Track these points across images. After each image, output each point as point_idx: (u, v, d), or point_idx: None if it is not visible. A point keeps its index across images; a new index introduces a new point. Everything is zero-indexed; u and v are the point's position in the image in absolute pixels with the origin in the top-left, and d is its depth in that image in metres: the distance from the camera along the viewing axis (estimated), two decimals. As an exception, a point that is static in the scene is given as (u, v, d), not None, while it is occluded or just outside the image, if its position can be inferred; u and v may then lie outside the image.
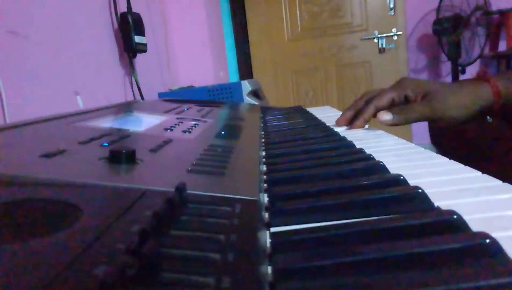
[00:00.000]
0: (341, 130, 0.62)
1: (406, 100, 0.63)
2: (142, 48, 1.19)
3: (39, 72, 0.77)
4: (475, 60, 2.59)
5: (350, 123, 0.66)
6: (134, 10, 1.17)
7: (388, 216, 0.25)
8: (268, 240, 0.23)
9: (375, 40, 2.76)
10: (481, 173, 0.34)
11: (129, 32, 1.14)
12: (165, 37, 1.67)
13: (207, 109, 0.84)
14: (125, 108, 0.70)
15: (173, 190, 0.22)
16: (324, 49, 2.84)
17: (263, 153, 0.49)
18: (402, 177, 0.31)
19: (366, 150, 0.43)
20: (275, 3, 2.84)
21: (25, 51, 0.74)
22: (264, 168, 0.41)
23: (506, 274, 0.17)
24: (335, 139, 0.52)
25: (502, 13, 2.52)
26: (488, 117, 0.62)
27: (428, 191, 0.27)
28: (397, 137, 0.54)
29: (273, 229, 0.25)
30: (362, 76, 2.83)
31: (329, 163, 0.39)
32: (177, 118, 0.63)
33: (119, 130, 0.47)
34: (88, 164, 0.30)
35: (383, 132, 0.61)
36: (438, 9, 2.58)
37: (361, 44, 2.79)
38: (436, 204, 0.27)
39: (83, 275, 0.14)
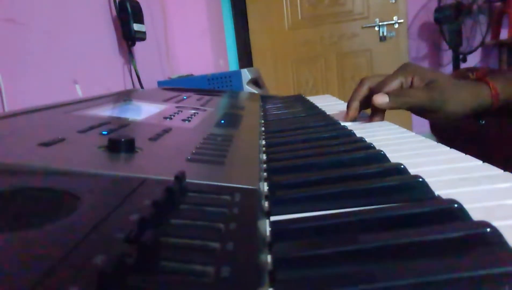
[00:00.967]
0: (342, 119, 0.62)
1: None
2: (141, 36, 1.18)
3: (37, 60, 0.76)
4: (476, 49, 2.57)
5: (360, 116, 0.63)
6: (132, -3, 1.15)
7: (389, 205, 0.25)
8: (268, 229, 0.23)
9: (376, 28, 2.74)
10: (481, 162, 0.33)
11: (127, 20, 1.12)
12: (164, 25, 1.65)
13: (206, 97, 0.83)
14: (124, 96, 0.70)
15: (173, 179, 0.22)
16: (324, 37, 2.82)
17: (263, 142, 0.48)
18: (402, 166, 0.31)
19: (366, 139, 0.43)
20: (275, -10, 2.81)
21: (23, 39, 0.73)
22: (264, 157, 0.41)
23: (507, 263, 0.17)
24: (335, 128, 0.52)
25: (504, 1, 2.49)
26: (480, 120, 0.62)
27: (428, 180, 0.27)
28: (397, 126, 0.54)
29: (273, 218, 0.25)
30: (363, 64, 2.81)
31: (329, 152, 0.39)
32: (177, 107, 0.63)
33: (118, 118, 0.47)
34: (87, 153, 0.30)
35: (385, 121, 0.60)
36: (440, -3, 2.55)
37: (362, 32, 2.77)
38: (436, 193, 0.27)
39: (82, 264, 0.14)
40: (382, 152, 0.35)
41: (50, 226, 0.17)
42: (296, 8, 2.82)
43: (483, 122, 0.62)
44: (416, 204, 0.24)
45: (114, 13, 1.13)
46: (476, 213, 0.22)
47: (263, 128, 0.59)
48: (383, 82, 0.61)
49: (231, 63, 2.56)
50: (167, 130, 0.41)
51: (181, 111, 0.58)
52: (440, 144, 0.41)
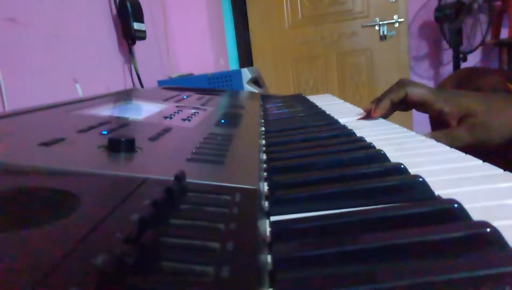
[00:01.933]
0: (341, 119, 0.62)
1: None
2: (141, 35, 1.18)
3: (38, 60, 0.76)
4: (476, 48, 2.56)
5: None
6: (132, -4, 1.15)
7: (389, 205, 0.25)
8: (268, 229, 0.23)
9: (376, 27, 2.73)
10: (482, 161, 0.33)
11: (128, 18, 1.12)
12: (164, 24, 1.65)
13: (206, 97, 0.83)
14: (125, 96, 0.70)
15: (173, 178, 0.22)
16: (324, 36, 2.82)
17: (263, 142, 0.48)
18: (402, 166, 0.31)
19: (366, 139, 0.43)
20: (275, -11, 2.81)
21: (24, 38, 0.73)
22: (264, 156, 0.41)
23: (507, 263, 0.17)
24: (336, 128, 0.52)
25: (505, 0, 2.49)
26: None
27: (428, 180, 0.27)
28: (398, 126, 0.54)
29: (273, 218, 0.25)
30: (363, 63, 2.81)
31: (330, 151, 0.39)
32: (177, 106, 0.63)
33: (118, 118, 0.47)
34: (87, 153, 0.30)
35: (384, 120, 0.60)
36: (440, -4, 2.55)
37: (362, 31, 2.77)
38: (436, 192, 0.27)
39: (82, 264, 0.14)
40: (382, 152, 0.35)
41: (50, 226, 0.17)
42: (296, 7, 2.81)
43: None
44: (416, 204, 0.24)
45: (114, 12, 1.13)
46: (476, 213, 0.22)
47: (263, 128, 0.59)
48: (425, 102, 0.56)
49: (231, 62, 2.56)
50: (167, 130, 0.41)
51: (181, 111, 0.58)
52: (440, 144, 0.41)
